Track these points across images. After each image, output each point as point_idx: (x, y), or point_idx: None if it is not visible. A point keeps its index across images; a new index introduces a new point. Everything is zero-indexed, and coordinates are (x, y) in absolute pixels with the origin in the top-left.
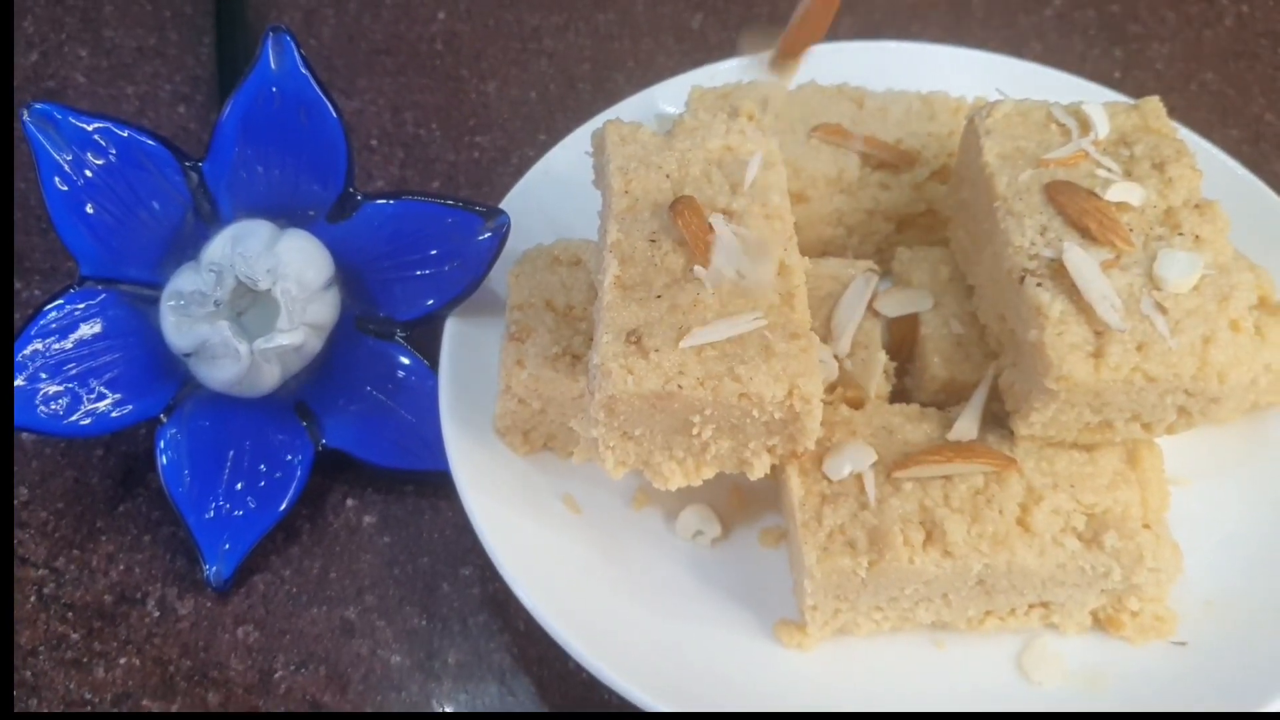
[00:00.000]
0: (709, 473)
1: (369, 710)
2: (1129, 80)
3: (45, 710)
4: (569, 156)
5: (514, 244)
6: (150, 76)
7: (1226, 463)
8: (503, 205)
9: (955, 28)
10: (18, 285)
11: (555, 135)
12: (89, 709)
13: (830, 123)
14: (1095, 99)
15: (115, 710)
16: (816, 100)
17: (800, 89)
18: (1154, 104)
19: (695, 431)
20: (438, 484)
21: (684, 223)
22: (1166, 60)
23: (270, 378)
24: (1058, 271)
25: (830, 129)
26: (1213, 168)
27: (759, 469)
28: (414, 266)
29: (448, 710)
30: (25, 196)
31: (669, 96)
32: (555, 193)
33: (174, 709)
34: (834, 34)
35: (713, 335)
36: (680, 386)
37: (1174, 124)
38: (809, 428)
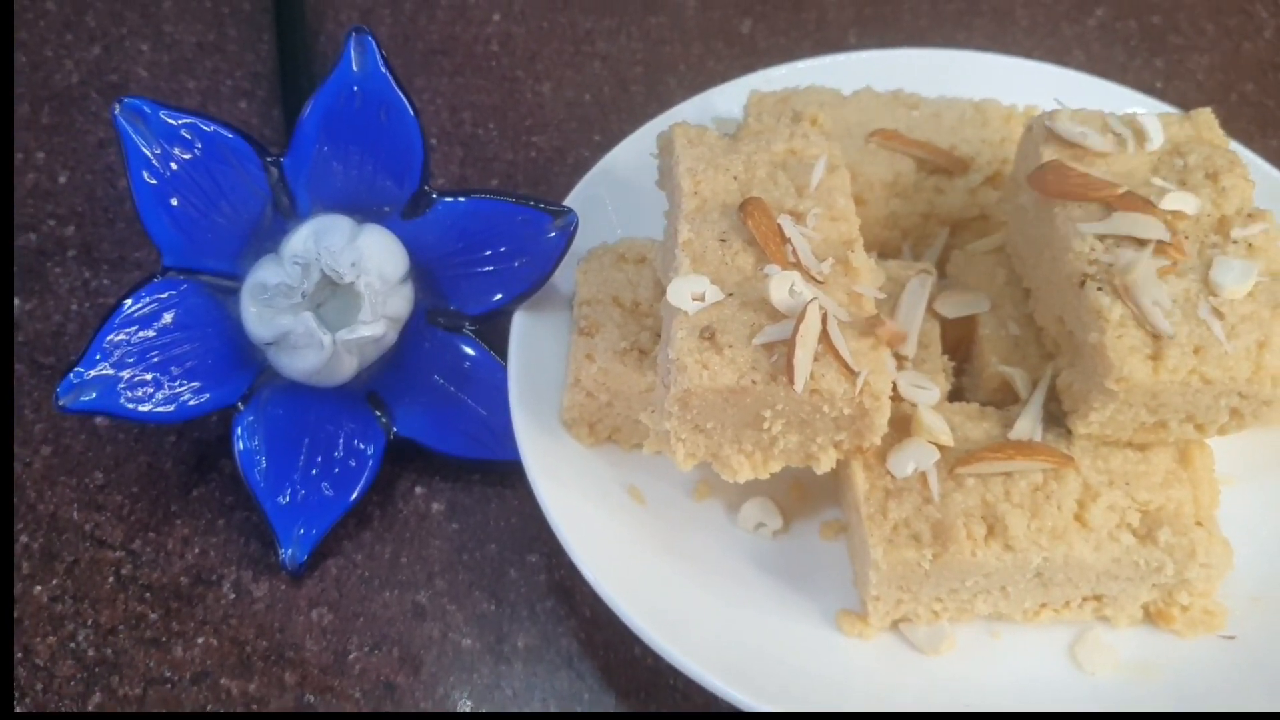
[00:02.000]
0: (776, 466)
1: (439, 692)
2: (1170, 90)
3: (125, 690)
4: (628, 157)
5: (578, 242)
6: (211, 72)
7: (1271, 463)
8: (567, 202)
9: (1000, 36)
10: (87, 274)
11: (609, 136)
12: (169, 686)
13: (887, 128)
14: (1141, 108)
15: (194, 687)
16: (873, 106)
17: (856, 95)
18: (1206, 115)
19: (765, 426)
20: (504, 473)
21: (754, 223)
22: (1206, 71)
23: (348, 367)
24: (1117, 277)
25: (887, 134)
26: (1257, 178)
27: (825, 463)
28: (484, 262)
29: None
30: (92, 188)
31: (726, 100)
32: (615, 192)
33: (251, 688)
34: (883, 41)
35: (783, 333)
36: (754, 381)
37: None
38: (877, 424)
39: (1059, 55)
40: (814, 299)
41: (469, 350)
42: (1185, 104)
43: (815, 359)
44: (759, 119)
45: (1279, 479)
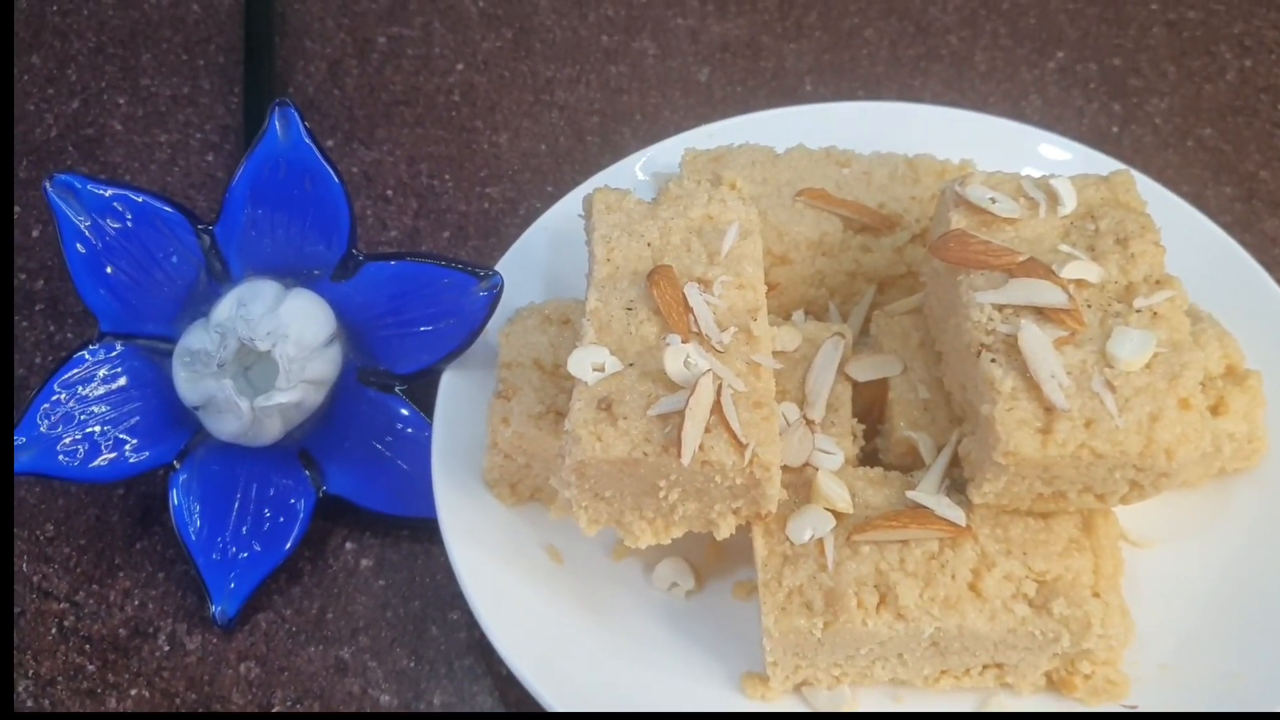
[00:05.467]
0: (678, 532)
1: None
2: (1126, 135)
3: None
4: (568, 213)
5: (512, 299)
6: (182, 125)
7: (1191, 527)
8: (503, 261)
9: (957, 82)
10: (52, 328)
11: (562, 187)
12: None
13: (814, 187)
14: (1082, 161)
15: None
16: (804, 164)
17: (789, 153)
18: (1124, 177)
19: (662, 494)
20: (432, 530)
21: (659, 293)
22: (1165, 115)
23: (273, 429)
24: (1013, 348)
25: (814, 193)
26: (1195, 230)
27: (725, 530)
28: (413, 323)
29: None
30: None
31: (669, 155)
32: (554, 249)
33: None
34: (839, 89)
35: (678, 404)
36: (646, 454)
37: (1160, 187)
38: (769, 493)
39: (1015, 100)
40: (708, 370)
41: (401, 410)
42: (1140, 149)
43: (707, 430)
44: (680, 183)
45: (1196, 543)
